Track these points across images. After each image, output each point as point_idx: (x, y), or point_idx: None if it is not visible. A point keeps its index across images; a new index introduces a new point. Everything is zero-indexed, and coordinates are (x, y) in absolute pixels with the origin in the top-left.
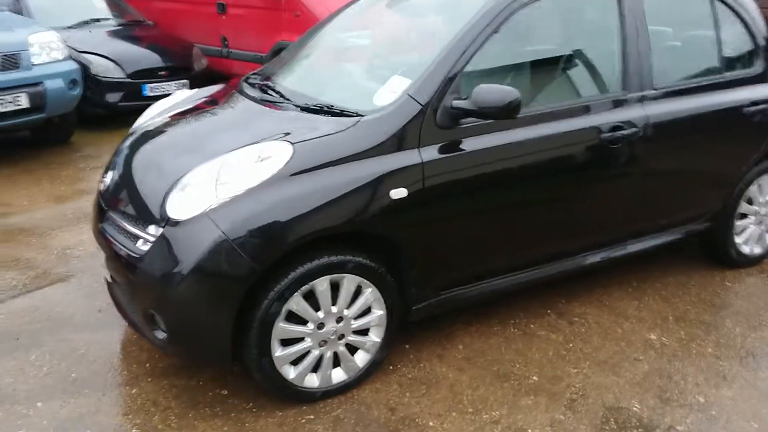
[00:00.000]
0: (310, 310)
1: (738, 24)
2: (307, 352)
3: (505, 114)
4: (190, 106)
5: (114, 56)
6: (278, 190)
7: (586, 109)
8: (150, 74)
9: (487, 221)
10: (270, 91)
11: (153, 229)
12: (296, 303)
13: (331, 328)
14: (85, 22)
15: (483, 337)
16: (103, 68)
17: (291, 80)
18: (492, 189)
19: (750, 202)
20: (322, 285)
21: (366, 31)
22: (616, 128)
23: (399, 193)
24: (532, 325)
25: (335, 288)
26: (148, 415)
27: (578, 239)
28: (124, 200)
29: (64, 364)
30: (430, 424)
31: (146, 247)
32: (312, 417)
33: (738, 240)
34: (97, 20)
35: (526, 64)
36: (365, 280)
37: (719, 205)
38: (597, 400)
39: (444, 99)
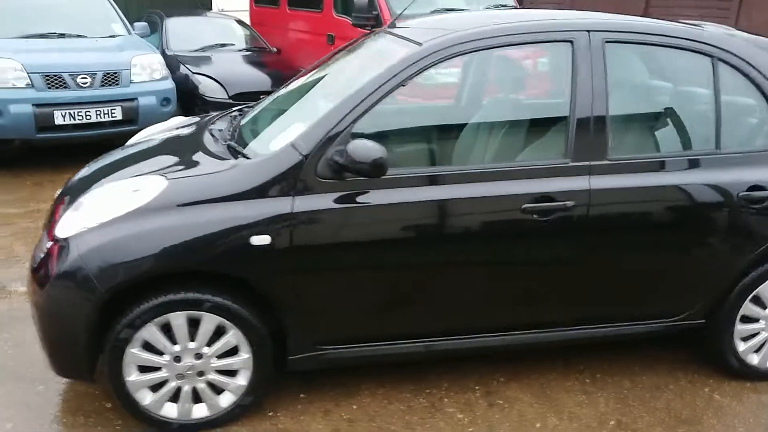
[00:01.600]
0: (165, 341)
1: (747, 87)
2: (165, 382)
3: (372, 172)
4: (175, 132)
5: (220, 78)
6: (139, 223)
7: (507, 174)
8: (251, 97)
9: (367, 283)
10: (216, 131)
11: (47, 243)
12: (150, 333)
13: (189, 363)
14: (211, 47)
15: (384, 401)
16: (209, 89)
17: (246, 121)
18: (374, 249)
19: (763, 304)
20: (177, 319)
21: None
22: (544, 199)
23: (261, 239)
24: (446, 399)
25: (196, 324)
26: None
27: (486, 317)
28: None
29: None
30: None
31: (39, 258)
32: None
33: (742, 347)
34: (223, 45)
35: (440, 121)
36: (227, 322)
37: (709, 304)
38: None
39: (327, 151)
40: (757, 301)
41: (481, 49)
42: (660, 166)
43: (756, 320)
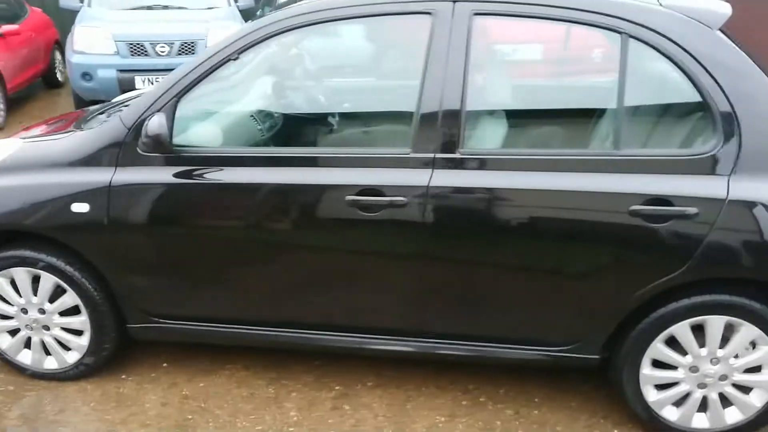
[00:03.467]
0: (12, 293)
1: (668, 74)
2: (18, 330)
3: (155, 147)
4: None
5: None
6: None
7: (337, 161)
8: None
9: (186, 261)
10: None
11: None
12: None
13: (33, 316)
14: None
15: (234, 384)
16: None
17: None
18: (193, 228)
19: (682, 350)
20: (19, 275)
21: None
22: (369, 192)
23: (81, 207)
24: (294, 393)
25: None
26: None
27: (316, 312)
28: None
29: None
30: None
31: None
32: None
33: (654, 397)
34: None
35: (273, 100)
36: (62, 282)
37: (601, 337)
38: None
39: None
40: (674, 343)
41: (319, 22)
42: (530, 166)
43: (673, 367)
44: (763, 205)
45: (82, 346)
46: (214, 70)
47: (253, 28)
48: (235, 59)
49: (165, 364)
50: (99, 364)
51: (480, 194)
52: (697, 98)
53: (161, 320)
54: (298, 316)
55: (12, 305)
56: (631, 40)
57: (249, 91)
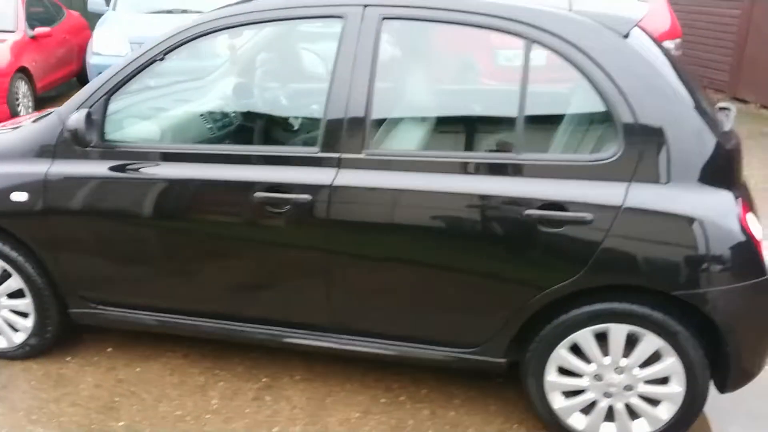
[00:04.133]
0: None
1: (571, 80)
2: None
3: (75, 140)
4: None
5: None
6: None
7: (244, 159)
8: None
9: (113, 252)
10: None
11: None
12: None
13: None
14: None
15: (168, 371)
16: None
17: None
18: (119, 221)
19: (586, 358)
20: None
21: None
22: (277, 188)
23: (20, 196)
24: (222, 383)
25: None
26: None
27: (231, 304)
28: None
29: None
30: None
31: None
32: None
33: (559, 404)
34: None
35: (191, 98)
36: (8, 266)
37: (503, 342)
38: None
39: None
40: (579, 351)
41: (236, 25)
42: (431, 168)
43: (579, 375)
44: (659, 213)
45: (27, 327)
46: (141, 70)
47: (177, 30)
48: (161, 60)
49: (110, 349)
50: (44, 346)
51: (380, 194)
52: (600, 105)
53: (99, 306)
54: (221, 307)
55: None
56: (535, 45)
57: (178, 92)
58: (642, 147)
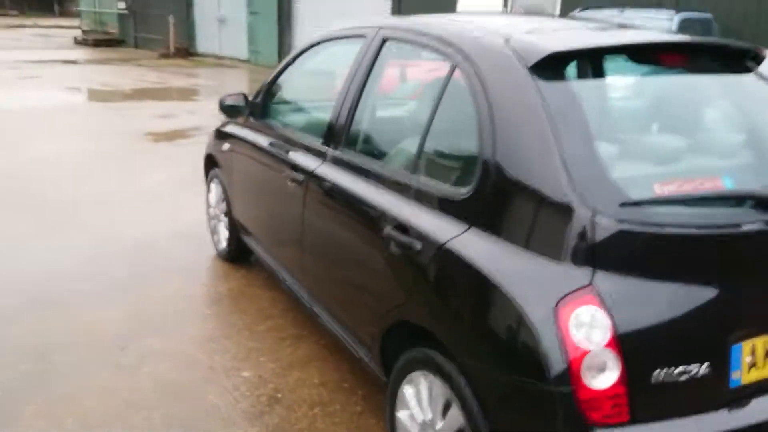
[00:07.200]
0: None
1: (471, 112)
2: None
3: (228, 114)
4: None
5: None
6: None
7: (302, 147)
8: None
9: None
10: None
11: None
12: None
13: None
14: None
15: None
16: None
17: None
18: (245, 168)
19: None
20: None
21: None
22: (296, 168)
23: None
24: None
25: None
26: None
27: (298, 260)
28: None
29: None
30: None
31: None
32: None
33: (405, 419)
34: None
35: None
36: None
37: (376, 354)
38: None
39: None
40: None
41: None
42: (354, 170)
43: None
44: (463, 261)
45: None
46: (283, 72)
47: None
48: (291, 64)
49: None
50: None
51: (334, 188)
52: (475, 138)
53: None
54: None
55: None
56: (456, 69)
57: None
58: (492, 189)
